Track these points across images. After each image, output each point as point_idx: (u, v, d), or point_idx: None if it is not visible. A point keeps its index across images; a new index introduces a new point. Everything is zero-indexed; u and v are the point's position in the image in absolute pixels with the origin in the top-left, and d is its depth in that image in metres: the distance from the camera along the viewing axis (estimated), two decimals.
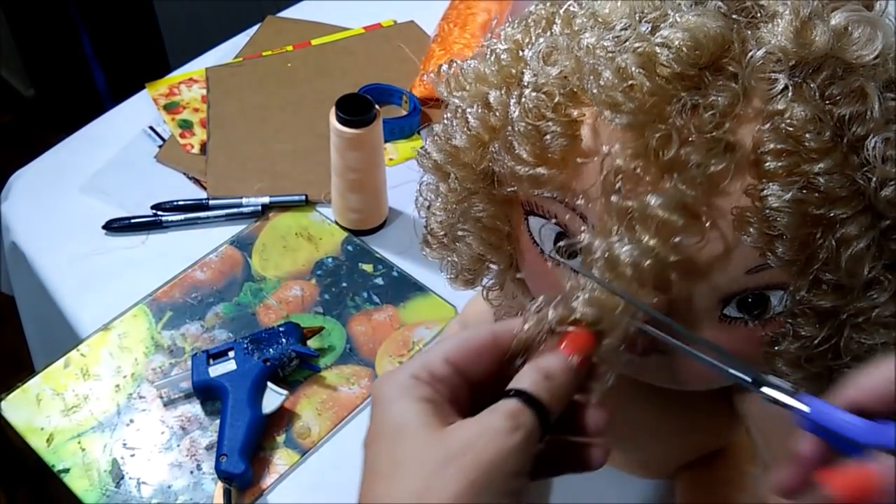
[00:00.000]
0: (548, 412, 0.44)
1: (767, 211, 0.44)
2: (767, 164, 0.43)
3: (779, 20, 0.45)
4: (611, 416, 0.48)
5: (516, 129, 0.48)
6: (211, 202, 1.03)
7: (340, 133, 0.92)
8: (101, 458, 0.82)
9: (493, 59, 0.52)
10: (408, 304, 0.94)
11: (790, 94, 0.43)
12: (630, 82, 0.44)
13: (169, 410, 0.86)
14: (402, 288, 0.96)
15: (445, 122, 0.54)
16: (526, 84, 0.49)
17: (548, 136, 0.47)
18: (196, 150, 1.10)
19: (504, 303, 0.63)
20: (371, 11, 1.29)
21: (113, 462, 0.82)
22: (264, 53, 1.22)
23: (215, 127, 1.12)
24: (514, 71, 0.51)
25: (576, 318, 0.45)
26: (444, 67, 0.55)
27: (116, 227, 1.01)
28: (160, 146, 1.10)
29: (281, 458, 0.82)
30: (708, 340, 0.47)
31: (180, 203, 1.03)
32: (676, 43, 0.44)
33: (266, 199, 1.02)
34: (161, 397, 0.86)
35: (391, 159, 1.08)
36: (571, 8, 0.50)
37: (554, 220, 0.51)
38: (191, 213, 1.02)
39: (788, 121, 0.43)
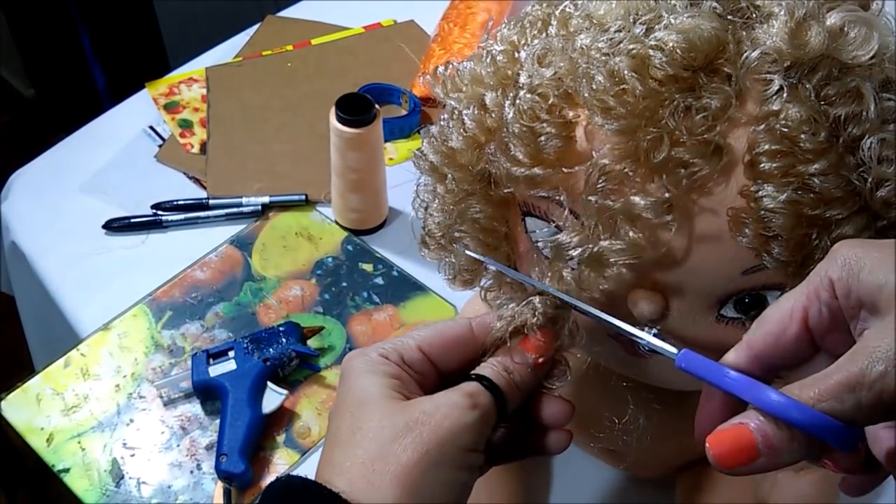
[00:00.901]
0: (506, 400, 0.48)
1: (763, 212, 0.44)
2: (763, 165, 0.43)
3: (774, 21, 0.45)
4: (575, 410, 0.51)
5: (511, 130, 0.48)
6: (211, 202, 1.03)
7: (340, 133, 0.92)
8: (101, 457, 0.82)
9: (489, 60, 0.52)
10: (408, 304, 0.95)
11: (785, 94, 0.43)
12: (622, 86, 0.44)
13: (169, 410, 0.86)
14: (402, 288, 0.96)
15: (442, 123, 0.54)
16: (521, 85, 0.49)
17: (542, 138, 0.47)
18: (196, 149, 1.10)
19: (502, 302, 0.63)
20: (371, 11, 1.29)
21: (113, 462, 0.82)
22: (264, 53, 1.23)
23: (215, 127, 1.12)
24: (509, 72, 0.51)
25: (535, 321, 0.49)
26: (441, 69, 0.55)
27: (116, 226, 1.01)
28: (160, 146, 1.10)
29: (281, 458, 0.82)
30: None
31: (180, 203, 1.03)
32: (670, 45, 0.44)
33: (266, 199, 1.02)
34: (161, 397, 0.86)
35: (391, 159, 1.08)
36: (567, 9, 0.50)
37: (553, 223, 0.51)
38: (191, 212, 1.02)
39: (784, 122, 0.43)
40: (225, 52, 1.24)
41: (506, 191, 0.51)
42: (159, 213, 1.02)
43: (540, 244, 0.52)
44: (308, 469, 0.82)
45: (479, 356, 0.51)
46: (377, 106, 0.94)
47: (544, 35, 0.51)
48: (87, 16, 1.90)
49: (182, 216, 1.02)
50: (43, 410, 0.86)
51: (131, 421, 0.85)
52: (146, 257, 0.99)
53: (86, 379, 0.88)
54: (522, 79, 0.49)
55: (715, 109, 0.43)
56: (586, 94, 0.45)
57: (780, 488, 0.67)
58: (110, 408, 0.86)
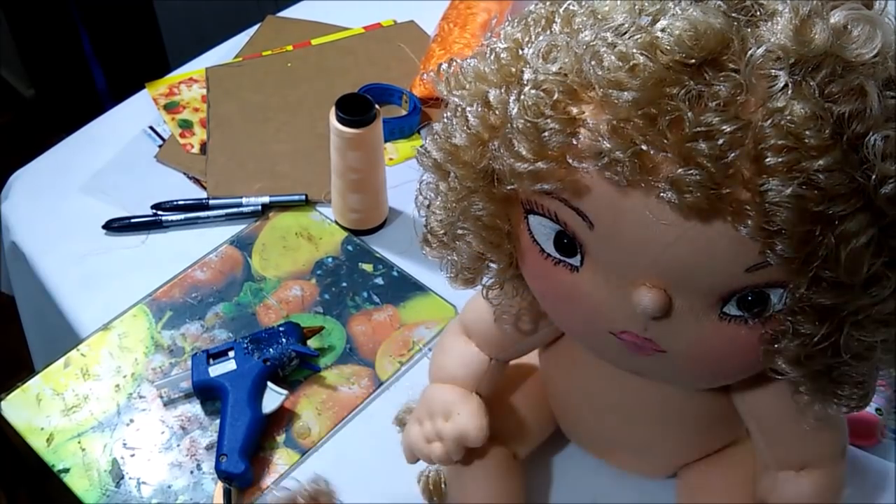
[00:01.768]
0: None
1: (767, 206, 0.44)
2: (768, 159, 0.43)
3: (778, 18, 0.45)
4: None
5: (515, 126, 0.48)
6: (211, 202, 1.03)
7: (340, 133, 0.92)
8: (101, 458, 0.82)
9: (492, 57, 0.52)
10: (408, 304, 0.94)
11: (790, 91, 0.43)
12: (633, 62, 0.44)
13: (169, 410, 0.86)
14: (402, 288, 0.96)
15: (445, 120, 0.54)
16: (525, 82, 0.49)
17: (546, 133, 0.47)
18: (196, 149, 1.10)
19: (504, 302, 0.63)
20: (371, 11, 1.29)
21: (113, 462, 0.82)
22: (264, 53, 1.22)
23: (215, 127, 1.12)
24: (513, 70, 0.51)
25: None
26: (444, 66, 0.55)
27: (116, 226, 1.01)
28: (160, 146, 1.10)
29: (281, 458, 0.82)
30: None
31: (180, 203, 1.03)
32: (677, 32, 0.44)
33: (266, 199, 1.02)
34: (161, 397, 0.86)
35: (391, 159, 1.08)
36: (571, 7, 0.50)
37: (557, 221, 0.51)
38: (191, 212, 1.02)
39: (789, 118, 0.43)
40: (225, 52, 1.24)
41: (508, 188, 0.51)
42: (159, 213, 1.02)
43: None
44: (308, 469, 0.82)
45: None
46: (377, 106, 0.94)
47: (548, 32, 0.50)
48: (87, 16, 1.90)
49: (182, 216, 1.02)
50: (43, 410, 0.86)
51: (131, 421, 0.85)
52: (146, 257, 0.99)
53: (86, 379, 0.88)
54: (527, 75, 0.49)
55: (726, 96, 0.43)
56: (598, 73, 0.45)
57: (780, 488, 0.67)
58: (110, 408, 0.86)
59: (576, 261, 0.53)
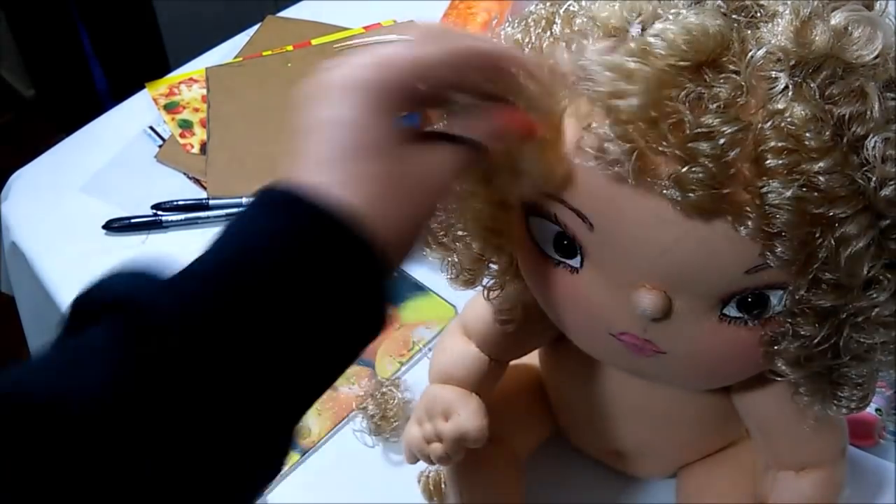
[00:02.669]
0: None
1: (767, 207, 0.44)
2: (768, 161, 0.43)
3: (779, 20, 0.45)
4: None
5: None
6: (211, 202, 1.03)
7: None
8: None
9: None
10: (408, 304, 0.94)
11: (790, 93, 0.43)
12: (627, 70, 0.44)
13: None
14: (402, 288, 0.96)
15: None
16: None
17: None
18: (196, 150, 1.10)
19: (504, 302, 0.63)
20: (371, 11, 1.29)
21: None
22: (264, 53, 1.22)
23: (215, 127, 1.11)
24: None
25: None
26: None
27: (116, 227, 1.01)
28: (160, 146, 1.10)
29: None
30: None
31: (180, 203, 1.03)
32: (670, 36, 0.44)
33: None
34: None
35: None
36: (571, 8, 0.50)
37: (557, 223, 0.51)
38: (191, 213, 1.02)
39: (789, 120, 0.43)
40: (225, 52, 1.23)
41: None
42: (159, 213, 1.02)
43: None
44: (308, 469, 0.82)
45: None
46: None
47: (548, 34, 0.50)
48: (87, 16, 1.90)
49: (182, 216, 1.01)
50: None
51: None
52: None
53: None
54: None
55: (727, 98, 0.43)
56: (596, 90, 0.45)
57: (780, 488, 0.67)
58: None
59: (576, 262, 0.53)
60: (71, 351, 0.39)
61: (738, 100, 0.43)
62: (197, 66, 1.20)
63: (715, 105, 0.43)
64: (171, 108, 1.15)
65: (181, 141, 1.10)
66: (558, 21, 0.51)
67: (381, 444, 0.82)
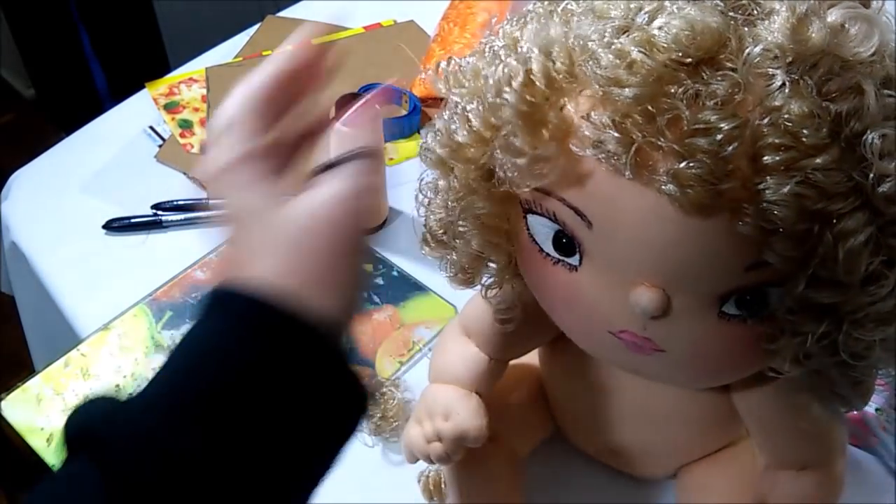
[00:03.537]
0: None
1: (765, 204, 0.44)
2: (766, 157, 0.43)
3: (775, 17, 0.45)
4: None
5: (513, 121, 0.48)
6: (211, 202, 1.03)
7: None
8: None
9: (491, 56, 0.52)
10: (408, 304, 0.94)
11: (787, 90, 0.43)
12: (630, 59, 0.44)
13: None
14: (402, 287, 0.96)
15: (446, 118, 0.54)
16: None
17: (544, 130, 0.47)
18: (196, 149, 1.10)
19: (503, 301, 0.63)
20: (371, 11, 1.29)
21: None
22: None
23: None
24: None
25: None
26: (443, 64, 0.55)
27: (116, 227, 1.01)
28: (160, 146, 1.10)
29: None
30: None
31: (180, 203, 1.03)
32: (674, 30, 0.44)
33: None
34: None
35: (391, 159, 1.08)
36: (570, 6, 0.50)
37: (556, 221, 0.51)
38: (191, 212, 1.02)
39: (786, 116, 0.43)
40: (225, 52, 1.24)
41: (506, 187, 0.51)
42: (159, 213, 1.02)
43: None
44: None
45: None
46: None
47: (545, 24, 0.50)
48: (87, 16, 1.90)
49: (182, 216, 1.02)
50: (43, 410, 0.86)
51: None
52: (146, 257, 0.99)
53: (86, 379, 0.88)
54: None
55: (724, 95, 0.43)
56: (596, 72, 0.45)
57: (780, 488, 0.67)
58: None
59: (574, 260, 0.53)
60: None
61: (736, 96, 0.43)
62: (197, 66, 1.21)
63: (712, 102, 0.43)
64: (171, 107, 1.15)
65: (181, 141, 1.11)
66: (556, 19, 0.51)
67: (381, 444, 0.82)
